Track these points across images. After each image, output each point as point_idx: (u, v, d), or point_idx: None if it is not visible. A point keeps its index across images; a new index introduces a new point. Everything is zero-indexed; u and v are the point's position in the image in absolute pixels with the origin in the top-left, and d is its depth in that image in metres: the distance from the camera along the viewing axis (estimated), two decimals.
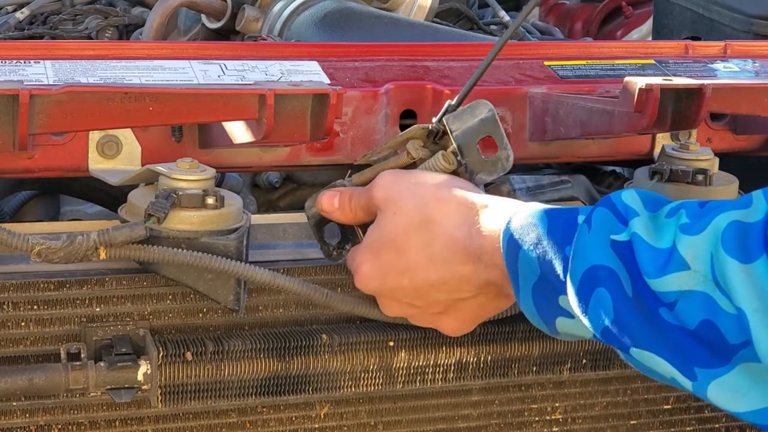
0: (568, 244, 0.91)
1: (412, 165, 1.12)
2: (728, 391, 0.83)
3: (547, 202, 1.03)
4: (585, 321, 0.90)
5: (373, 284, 1.08)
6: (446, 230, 1.02)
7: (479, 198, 1.02)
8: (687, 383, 0.85)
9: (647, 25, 2.18)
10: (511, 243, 0.95)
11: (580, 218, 0.91)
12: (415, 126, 1.12)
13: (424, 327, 1.13)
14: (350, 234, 1.15)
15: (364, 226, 1.12)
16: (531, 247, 0.93)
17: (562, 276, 0.91)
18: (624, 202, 0.90)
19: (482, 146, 1.10)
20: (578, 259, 0.89)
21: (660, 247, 0.85)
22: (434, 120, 1.11)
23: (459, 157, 1.09)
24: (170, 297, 1.16)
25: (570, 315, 0.92)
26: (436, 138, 1.12)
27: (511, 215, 0.97)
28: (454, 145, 1.09)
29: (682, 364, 0.84)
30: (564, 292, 0.91)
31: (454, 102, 1.10)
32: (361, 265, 1.08)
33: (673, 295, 0.84)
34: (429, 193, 1.04)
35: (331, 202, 1.13)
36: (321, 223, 1.16)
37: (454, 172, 1.09)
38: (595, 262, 0.88)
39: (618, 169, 1.50)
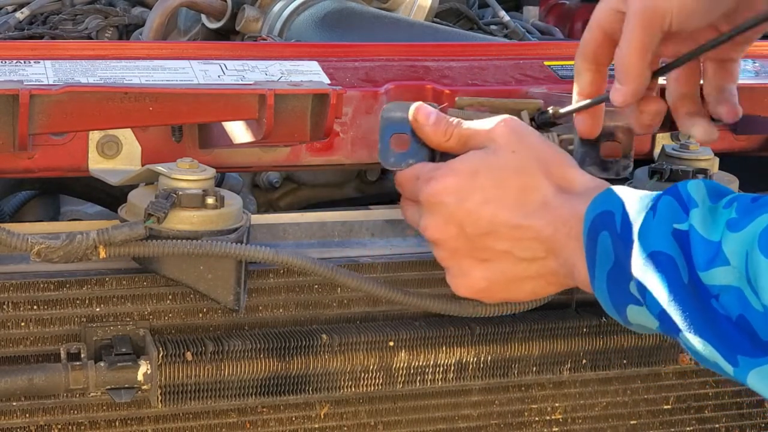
0: (635, 229, 0.93)
1: None
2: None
3: None
4: (646, 305, 0.92)
5: (448, 198, 1.06)
6: (549, 190, 1.03)
7: (591, 178, 1.04)
8: (729, 368, 0.87)
9: None
10: (592, 228, 0.97)
11: (649, 204, 0.94)
12: (533, 100, 1.15)
13: (445, 270, 1.11)
14: (423, 154, 1.13)
15: (442, 155, 1.11)
16: (608, 233, 0.95)
17: (630, 261, 0.93)
18: (689, 192, 0.92)
19: (603, 148, 1.12)
20: (642, 244, 0.92)
21: (712, 240, 0.88)
22: (536, 115, 1.15)
23: (571, 147, 1.11)
24: (170, 297, 1.16)
25: (639, 302, 0.94)
26: (541, 123, 1.14)
27: (596, 200, 0.99)
28: (577, 136, 1.10)
29: (726, 350, 0.87)
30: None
31: (551, 113, 1.14)
32: (447, 176, 1.06)
33: (717, 289, 0.87)
34: (553, 157, 1.05)
35: (428, 116, 1.11)
36: (392, 129, 1.14)
37: None
38: (657, 248, 0.90)
39: None
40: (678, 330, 0.90)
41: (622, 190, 0.98)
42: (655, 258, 0.90)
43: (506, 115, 1.08)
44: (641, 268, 0.91)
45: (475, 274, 1.07)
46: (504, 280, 1.06)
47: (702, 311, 0.88)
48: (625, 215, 0.95)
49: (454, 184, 1.06)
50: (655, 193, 0.95)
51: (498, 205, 1.04)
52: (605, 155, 1.11)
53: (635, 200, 0.96)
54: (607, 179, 1.07)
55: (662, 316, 0.91)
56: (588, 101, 1.12)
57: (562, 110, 1.14)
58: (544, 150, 1.06)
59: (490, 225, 1.04)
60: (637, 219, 0.93)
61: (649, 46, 1.04)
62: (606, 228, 0.96)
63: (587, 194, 1.01)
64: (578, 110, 1.13)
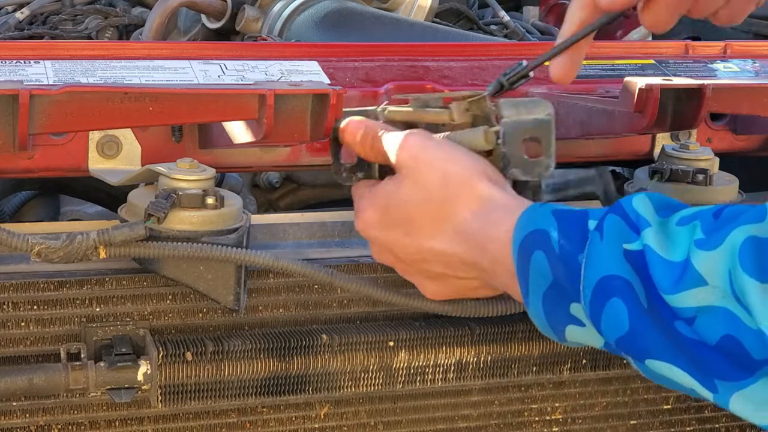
0: (580, 251, 0.89)
1: (449, 127, 1.07)
2: (752, 404, 0.82)
3: (566, 200, 1.01)
4: (599, 330, 0.89)
5: (372, 232, 1.06)
6: (462, 216, 0.99)
7: (502, 194, 0.99)
8: (708, 394, 0.84)
9: None
10: (523, 248, 0.94)
11: (591, 224, 0.90)
12: (473, 91, 1.08)
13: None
14: (367, 165, 1.11)
15: (383, 166, 1.09)
16: (543, 254, 0.92)
17: (574, 284, 0.90)
18: (635, 209, 0.88)
19: (526, 146, 1.06)
20: (591, 268, 0.88)
21: (673, 261, 0.84)
22: (501, 76, 1.08)
23: (499, 142, 1.03)
24: (170, 297, 1.16)
25: (581, 323, 0.91)
26: (515, 80, 1.08)
27: (523, 219, 0.95)
28: (502, 129, 1.02)
29: (701, 375, 0.83)
30: (576, 299, 0.90)
31: (525, 65, 1.07)
32: (366, 210, 1.06)
33: (691, 311, 0.83)
34: (457, 176, 1.00)
35: (355, 134, 1.09)
36: (340, 141, 1.12)
37: (488, 154, 1.04)
38: (609, 272, 0.87)
39: (618, 169, 1.50)
40: (641, 356, 0.86)
41: (550, 207, 0.94)
42: (608, 283, 0.87)
43: (412, 133, 1.04)
44: (592, 294, 0.88)
45: (430, 287, 1.08)
46: (456, 290, 1.07)
47: (668, 336, 0.84)
48: (562, 235, 0.91)
49: (373, 218, 1.05)
50: (591, 210, 0.92)
51: (418, 237, 1.02)
52: (529, 155, 1.07)
53: (572, 219, 0.92)
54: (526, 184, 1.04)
55: (621, 342, 0.87)
56: (567, 40, 1.05)
57: (539, 58, 1.07)
58: (449, 171, 1.00)
59: (418, 253, 1.03)
60: (579, 240, 0.90)
61: None
62: (539, 247, 0.92)
63: (504, 212, 0.97)
64: (556, 54, 1.06)
